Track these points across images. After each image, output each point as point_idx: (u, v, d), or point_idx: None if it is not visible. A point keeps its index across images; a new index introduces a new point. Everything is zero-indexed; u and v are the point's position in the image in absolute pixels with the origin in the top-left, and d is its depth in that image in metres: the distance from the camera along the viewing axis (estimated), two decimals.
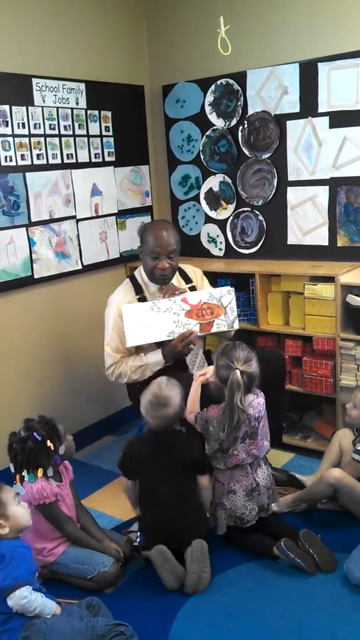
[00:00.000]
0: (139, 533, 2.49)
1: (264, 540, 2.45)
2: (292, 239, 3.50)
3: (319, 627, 2.10)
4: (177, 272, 3.01)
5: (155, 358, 2.84)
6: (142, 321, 2.78)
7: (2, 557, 1.96)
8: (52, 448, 2.38)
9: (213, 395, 2.51)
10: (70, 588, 2.33)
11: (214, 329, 2.86)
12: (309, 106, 3.28)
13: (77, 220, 3.46)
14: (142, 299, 2.91)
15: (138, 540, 2.48)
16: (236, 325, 2.90)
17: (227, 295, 2.88)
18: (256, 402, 2.47)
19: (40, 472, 2.35)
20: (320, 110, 3.25)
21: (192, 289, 3.03)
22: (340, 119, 3.20)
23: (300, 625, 2.11)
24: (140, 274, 3.00)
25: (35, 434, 2.35)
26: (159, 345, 2.84)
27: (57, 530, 2.38)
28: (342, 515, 2.63)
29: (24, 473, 2.35)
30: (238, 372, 2.36)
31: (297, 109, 3.33)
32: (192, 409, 2.56)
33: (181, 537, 2.38)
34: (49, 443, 2.37)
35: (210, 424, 2.46)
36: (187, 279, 3.05)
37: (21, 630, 1.92)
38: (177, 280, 3.01)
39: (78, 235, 3.46)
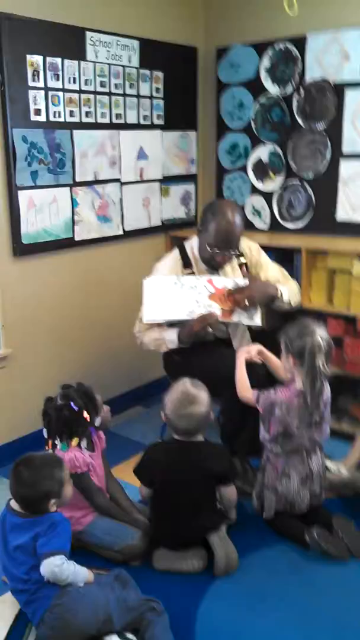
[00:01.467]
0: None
1: (299, 525, 2.38)
2: (341, 215, 3.36)
3: (350, 614, 2.04)
4: None
5: (172, 336, 2.73)
6: (163, 296, 2.67)
7: (53, 525, 1.94)
8: (88, 419, 2.33)
9: (258, 378, 2.42)
10: (96, 558, 2.29)
11: (234, 318, 2.71)
12: None
13: (122, 184, 3.36)
14: (191, 274, 2.80)
15: None
16: (257, 321, 2.73)
17: None
18: (326, 385, 2.38)
19: (74, 441, 2.30)
20: None
21: (242, 266, 2.91)
22: None
23: (330, 611, 2.06)
24: (192, 247, 2.87)
25: (72, 403, 2.30)
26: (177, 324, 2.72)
27: (86, 500, 2.34)
28: None
29: (57, 441, 2.31)
30: (317, 335, 2.28)
31: (358, 78, 3.16)
32: (245, 385, 2.46)
33: (197, 540, 2.30)
34: (85, 414, 2.32)
35: (276, 406, 2.35)
36: (239, 254, 2.89)
37: (55, 597, 1.89)
38: None
39: (121, 199, 3.37)
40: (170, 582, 2.21)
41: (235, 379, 2.50)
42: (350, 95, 3.21)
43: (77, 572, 1.94)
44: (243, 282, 2.76)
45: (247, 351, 2.53)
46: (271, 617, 2.04)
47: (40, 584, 1.92)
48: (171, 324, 2.75)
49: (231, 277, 2.81)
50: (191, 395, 2.29)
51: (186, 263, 2.83)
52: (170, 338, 2.73)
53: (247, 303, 2.67)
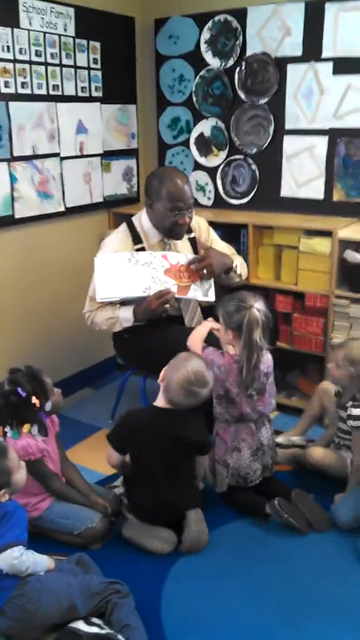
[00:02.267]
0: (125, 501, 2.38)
1: (257, 498, 2.39)
2: (285, 191, 3.37)
3: (312, 586, 2.07)
4: None
5: (126, 314, 2.66)
6: (117, 274, 2.59)
7: (4, 514, 1.85)
8: (38, 404, 2.23)
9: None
10: (55, 544, 2.23)
11: (189, 294, 2.68)
12: (312, 50, 3.11)
13: (62, 159, 3.23)
14: (141, 249, 2.73)
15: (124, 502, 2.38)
16: (211, 296, 2.72)
17: None
18: (265, 358, 2.38)
19: (26, 428, 2.21)
20: (324, 55, 3.08)
21: (192, 240, 2.87)
22: (345, 65, 3.04)
23: (292, 585, 2.07)
24: (141, 222, 2.79)
25: (19, 389, 2.20)
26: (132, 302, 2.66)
27: (42, 486, 2.26)
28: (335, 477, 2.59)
29: (7, 429, 2.21)
30: (254, 309, 2.28)
31: (299, 52, 3.15)
32: (199, 339, 2.45)
33: (173, 515, 2.27)
34: (34, 399, 2.22)
35: (215, 365, 2.36)
36: (188, 230, 2.86)
37: (15, 588, 1.81)
38: None
39: (62, 174, 3.24)
40: (133, 563, 2.18)
41: (191, 334, 2.48)
42: (292, 70, 3.20)
43: (36, 562, 1.87)
44: (195, 257, 2.74)
45: (213, 325, 2.50)
46: (236, 594, 2.04)
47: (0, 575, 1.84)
48: (124, 302, 2.67)
49: (183, 253, 2.77)
50: (203, 377, 2.23)
51: (135, 238, 2.76)
52: (125, 316, 2.65)
53: (205, 272, 2.65)
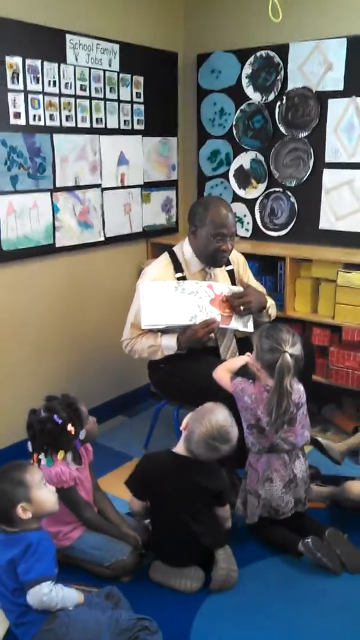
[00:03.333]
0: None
1: (290, 535, 2.35)
2: (324, 224, 3.36)
3: (343, 629, 2.01)
4: None
5: (169, 342, 2.69)
6: (163, 301, 2.62)
7: (28, 546, 1.81)
8: (73, 432, 2.25)
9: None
10: (85, 574, 2.22)
11: (231, 325, 2.71)
12: (354, 85, 3.12)
13: (102, 189, 3.30)
14: (182, 278, 2.75)
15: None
16: (250, 328, 2.75)
17: None
18: (296, 388, 2.36)
19: (60, 455, 2.22)
20: None
21: (230, 272, 2.89)
22: None
23: (323, 627, 2.02)
24: (182, 250, 2.83)
25: (55, 416, 2.22)
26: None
27: (74, 515, 2.26)
28: None
29: (41, 456, 2.23)
30: (287, 355, 2.25)
31: (340, 87, 3.17)
32: (228, 369, 2.45)
33: (200, 556, 2.24)
34: (69, 427, 2.24)
35: (246, 394, 2.35)
36: (227, 262, 2.88)
37: (44, 623, 1.80)
38: None
39: (102, 205, 3.31)
40: (162, 597, 2.15)
41: (221, 365, 2.48)
42: (332, 104, 3.21)
43: (65, 597, 1.84)
44: (237, 289, 2.78)
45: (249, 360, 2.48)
46: (265, 633, 2.00)
47: (27, 608, 1.81)
48: (164, 331, 2.70)
49: (226, 284, 2.80)
50: (227, 433, 2.17)
51: (177, 267, 2.79)
52: (168, 344, 2.68)
53: (242, 309, 2.68)
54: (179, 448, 2.27)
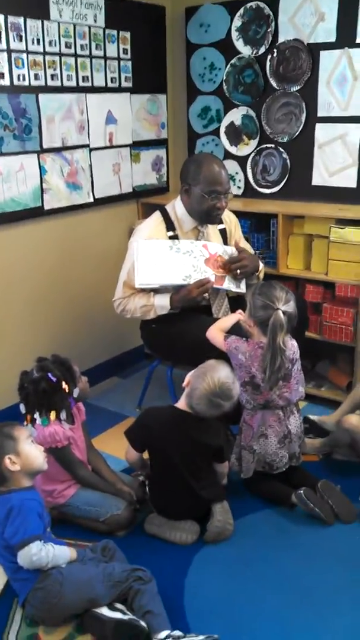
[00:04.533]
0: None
1: (284, 488, 2.39)
2: (317, 180, 3.31)
3: (336, 576, 2.06)
4: None
5: (162, 301, 2.68)
6: (158, 260, 2.60)
7: (10, 510, 1.84)
8: (67, 390, 2.26)
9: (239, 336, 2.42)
10: (81, 530, 2.26)
11: (225, 285, 2.70)
12: (346, 36, 3.05)
13: (90, 150, 3.25)
14: (174, 237, 2.73)
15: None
16: (243, 288, 2.76)
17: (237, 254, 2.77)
18: (290, 344, 2.37)
19: (53, 414, 2.23)
20: (358, 40, 3.01)
21: (223, 231, 2.87)
22: None
23: (317, 574, 2.07)
24: (174, 209, 2.80)
25: (49, 374, 2.22)
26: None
27: (68, 473, 2.29)
28: None
29: (36, 415, 2.24)
30: (280, 312, 2.25)
31: (333, 39, 3.09)
32: (221, 327, 2.46)
33: (198, 511, 2.27)
34: (63, 385, 2.25)
35: (240, 352, 2.35)
36: (219, 220, 2.85)
37: (37, 581, 1.83)
38: None
39: (91, 165, 3.26)
40: (156, 551, 2.19)
41: (214, 324, 2.49)
42: (324, 57, 3.14)
43: (57, 556, 1.86)
44: (231, 249, 2.77)
45: (242, 317, 2.49)
46: (259, 582, 2.04)
47: (20, 566, 1.83)
48: (157, 290, 2.69)
49: (220, 244, 2.79)
50: (229, 390, 2.17)
51: (169, 225, 2.77)
52: (161, 304, 2.67)
53: (239, 272, 2.70)
54: (181, 404, 2.28)
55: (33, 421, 2.25)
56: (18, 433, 1.95)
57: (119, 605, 1.88)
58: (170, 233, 2.75)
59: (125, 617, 1.82)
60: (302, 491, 2.29)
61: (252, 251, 3.01)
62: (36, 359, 2.33)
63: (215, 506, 2.26)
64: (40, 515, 1.88)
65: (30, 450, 1.95)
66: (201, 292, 2.60)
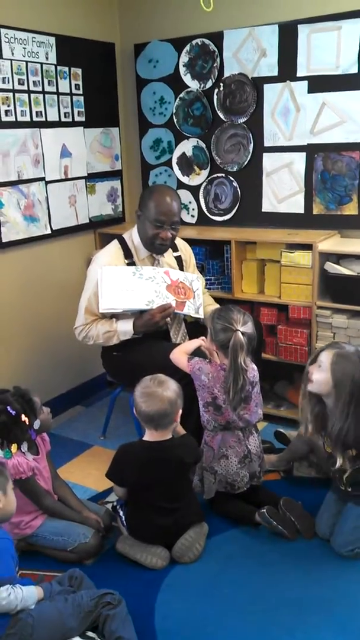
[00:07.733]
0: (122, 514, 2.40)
1: (247, 507, 2.44)
2: (266, 206, 3.45)
3: (302, 592, 2.10)
4: None
5: (125, 327, 2.74)
6: (121, 285, 2.67)
7: None
8: (27, 422, 2.27)
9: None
10: (49, 560, 2.27)
11: (185, 310, 2.79)
12: (287, 70, 3.21)
13: (46, 183, 3.30)
14: (131, 264, 2.80)
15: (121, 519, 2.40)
16: (201, 314, 2.85)
17: (196, 281, 2.88)
18: (251, 367, 2.45)
19: (14, 447, 2.24)
20: (299, 74, 3.18)
21: (178, 258, 2.95)
22: (319, 83, 3.13)
23: (284, 591, 2.11)
24: (131, 237, 2.88)
25: (8, 408, 2.23)
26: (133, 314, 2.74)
27: (34, 504, 2.30)
28: (322, 482, 2.63)
29: None
30: (239, 333, 2.34)
31: (275, 72, 3.25)
32: (184, 351, 2.53)
33: (174, 537, 2.30)
34: (23, 417, 2.25)
35: (203, 373, 2.42)
36: (175, 248, 2.97)
37: (7, 628, 1.81)
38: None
39: (47, 198, 3.32)
40: (127, 575, 2.21)
41: (176, 348, 2.55)
42: (268, 90, 3.29)
43: (25, 597, 1.83)
44: (192, 276, 2.87)
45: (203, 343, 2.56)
46: (229, 602, 2.07)
47: None
48: (118, 316, 2.76)
49: (178, 271, 2.89)
50: (160, 378, 2.29)
51: (126, 253, 2.84)
52: (124, 329, 2.73)
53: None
54: (147, 435, 2.33)
55: None
56: (8, 474, 1.95)
57: (90, 634, 1.88)
58: (128, 260, 2.82)
59: None
60: (264, 510, 2.35)
61: (203, 281, 3.12)
62: None
63: (192, 527, 2.31)
64: (12, 555, 1.87)
65: (12, 493, 1.94)
66: (164, 316, 2.67)
